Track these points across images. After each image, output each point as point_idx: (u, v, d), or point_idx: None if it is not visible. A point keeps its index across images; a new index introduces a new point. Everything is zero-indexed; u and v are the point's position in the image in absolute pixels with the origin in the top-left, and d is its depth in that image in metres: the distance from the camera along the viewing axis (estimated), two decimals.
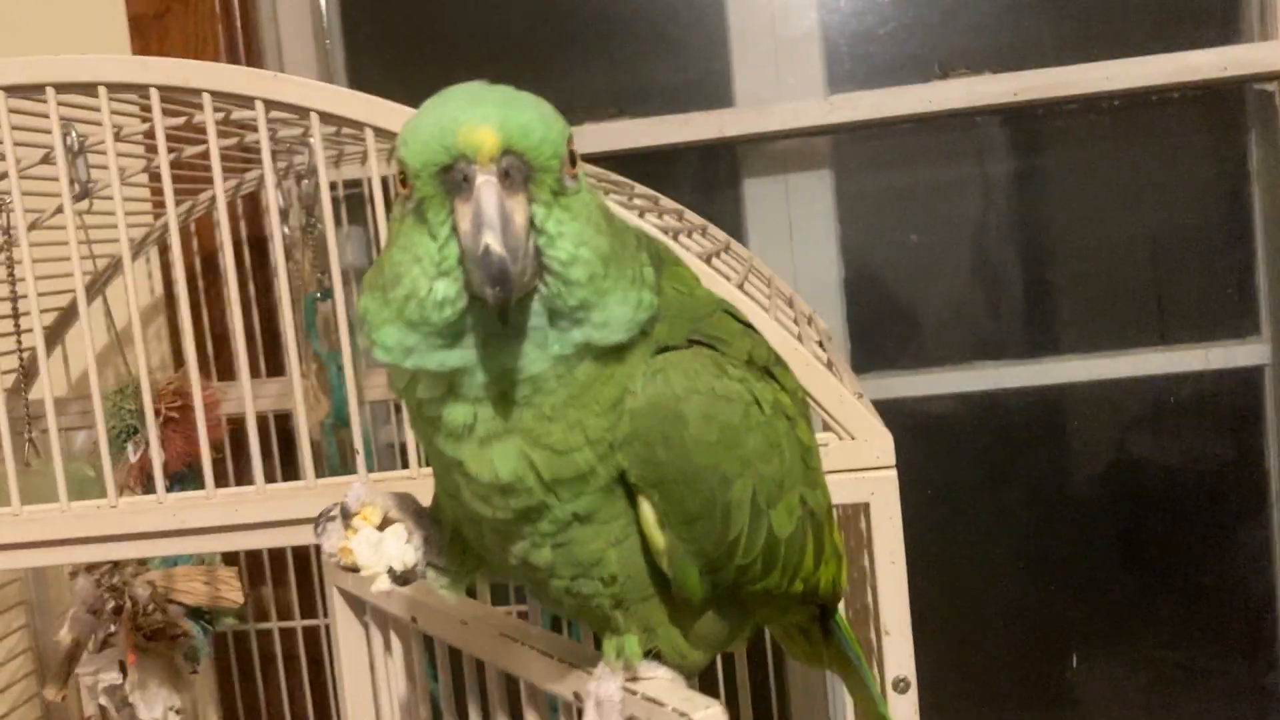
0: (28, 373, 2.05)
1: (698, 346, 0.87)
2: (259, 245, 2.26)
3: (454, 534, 0.98)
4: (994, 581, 2.55)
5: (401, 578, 0.94)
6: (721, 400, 0.85)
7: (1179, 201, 2.44)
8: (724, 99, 2.44)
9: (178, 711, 1.70)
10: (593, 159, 2.35)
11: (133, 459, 1.72)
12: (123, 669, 1.64)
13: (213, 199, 2.07)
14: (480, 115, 0.74)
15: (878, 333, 2.50)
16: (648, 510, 0.86)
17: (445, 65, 2.53)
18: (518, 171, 0.74)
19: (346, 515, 0.93)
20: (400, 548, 0.93)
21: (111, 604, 1.68)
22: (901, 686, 1.24)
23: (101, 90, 1.28)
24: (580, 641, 1.21)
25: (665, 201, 2.04)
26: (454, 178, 0.74)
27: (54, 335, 2.08)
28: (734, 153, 2.48)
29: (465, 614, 1.12)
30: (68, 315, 2.10)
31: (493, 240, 0.72)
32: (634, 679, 0.94)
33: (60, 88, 1.28)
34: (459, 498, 0.87)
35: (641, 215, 1.53)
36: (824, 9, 2.40)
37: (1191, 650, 2.50)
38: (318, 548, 0.97)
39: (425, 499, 1.01)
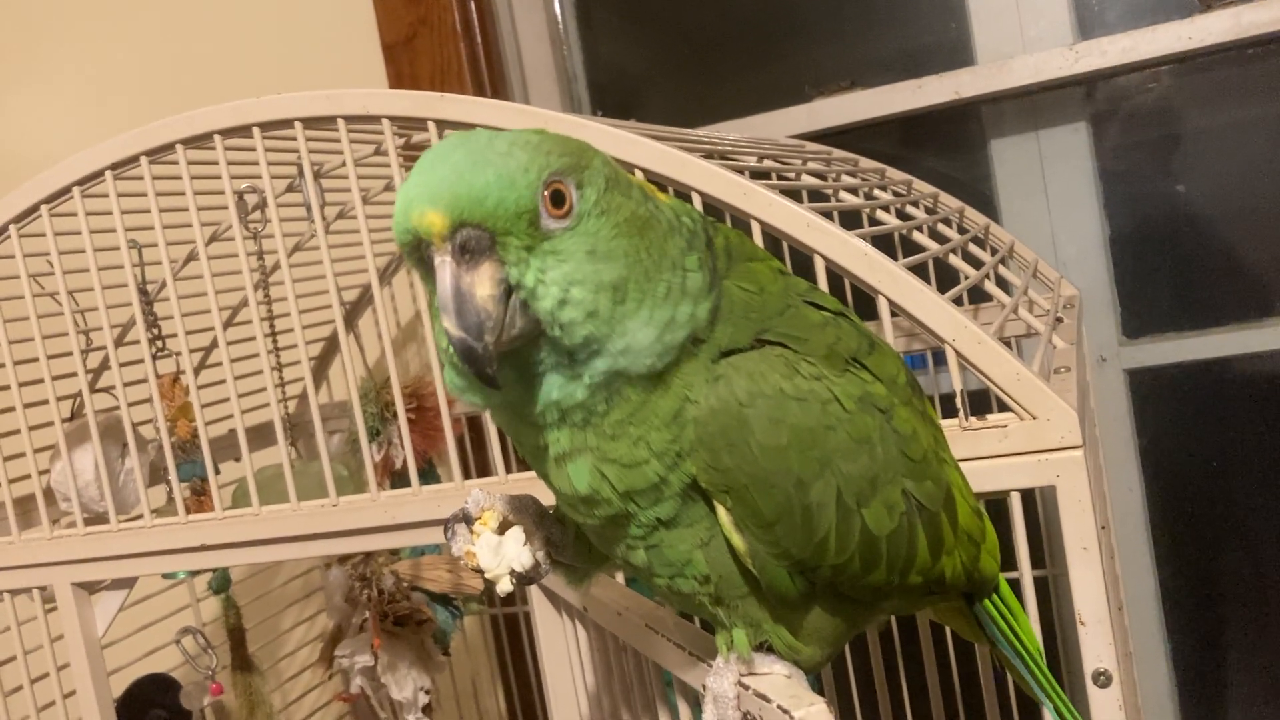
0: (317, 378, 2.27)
1: (768, 347, 0.85)
2: None
3: (578, 532, 1.00)
4: None
5: (524, 578, 0.97)
6: (792, 401, 0.83)
7: None
8: (964, 59, 2.32)
9: (428, 691, 1.82)
10: (825, 135, 2.31)
11: (375, 458, 1.86)
12: (374, 652, 1.78)
13: None
14: (429, 194, 0.74)
15: (1149, 293, 2.30)
16: (724, 514, 0.85)
17: (679, 51, 2.56)
18: (478, 241, 0.74)
19: (468, 520, 0.97)
20: (518, 550, 0.96)
21: (365, 593, 1.82)
22: (1102, 680, 1.15)
23: (340, 122, 1.38)
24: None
25: (892, 173, 1.98)
26: (422, 256, 0.77)
27: (326, 352, 2.29)
28: (979, 114, 2.35)
29: (621, 605, 1.15)
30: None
31: (450, 324, 0.74)
32: (751, 673, 0.93)
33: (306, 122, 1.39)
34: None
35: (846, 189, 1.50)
36: None
37: None
38: None
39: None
